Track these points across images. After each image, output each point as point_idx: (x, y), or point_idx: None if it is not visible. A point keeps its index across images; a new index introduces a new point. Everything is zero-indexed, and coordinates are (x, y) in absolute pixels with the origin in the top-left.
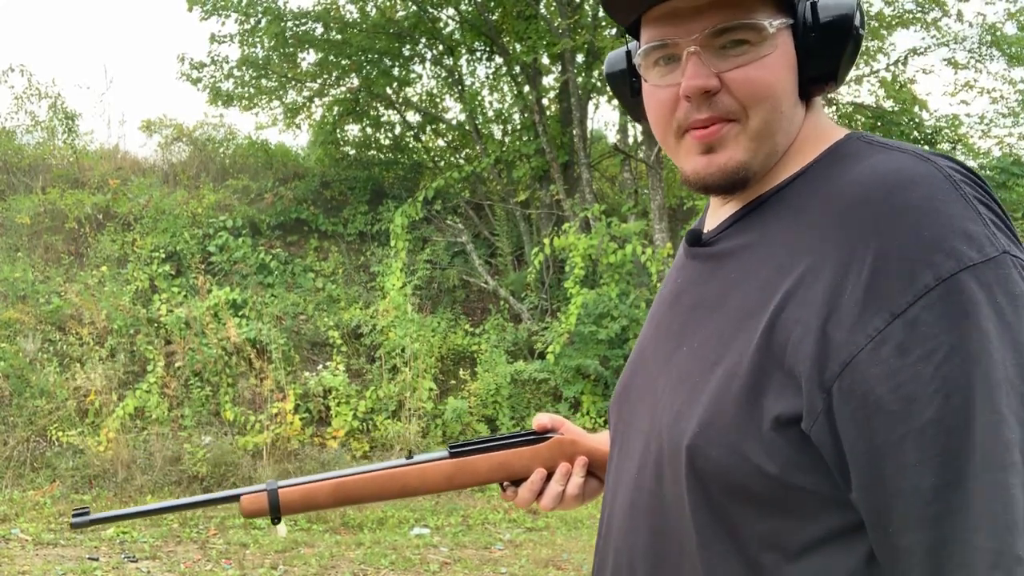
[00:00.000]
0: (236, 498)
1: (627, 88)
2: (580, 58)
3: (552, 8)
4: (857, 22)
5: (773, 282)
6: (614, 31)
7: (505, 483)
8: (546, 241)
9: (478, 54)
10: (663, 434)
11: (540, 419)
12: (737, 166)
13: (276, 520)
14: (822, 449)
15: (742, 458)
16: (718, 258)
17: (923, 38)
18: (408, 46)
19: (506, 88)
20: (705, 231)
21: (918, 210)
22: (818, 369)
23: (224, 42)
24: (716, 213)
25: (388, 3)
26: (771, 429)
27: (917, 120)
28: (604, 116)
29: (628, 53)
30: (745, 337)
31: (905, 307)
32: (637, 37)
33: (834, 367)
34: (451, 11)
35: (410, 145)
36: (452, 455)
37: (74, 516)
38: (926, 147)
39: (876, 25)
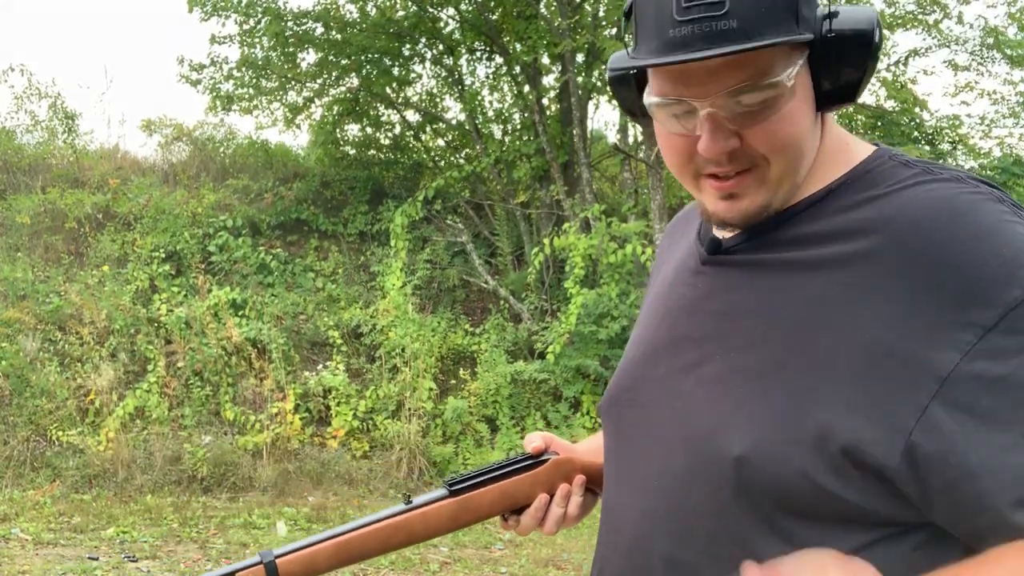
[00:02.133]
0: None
1: (631, 91)
2: (580, 58)
3: (552, 8)
4: (876, 38)
5: (830, 298)
6: (614, 31)
7: (506, 514)
8: (546, 241)
9: (478, 54)
10: (700, 443)
11: (532, 440)
12: (758, 209)
13: None
14: (904, 470)
15: (801, 475)
16: (752, 267)
17: (924, 39)
18: (408, 46)
19: (506, 88)
20: (723, 237)
21: (991, 232)
22: (909, 389)
23: (224, 43)
24: None
25: (388, 3)
26: (840, 452)
27: (918, 120)
28: (604, 116)
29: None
30: (803, 354)
31: (997, 320)
32: None
33: (930, 385)
34: (451, 11)
35: (410, 145)
36: (452, 493)
37: None
38: (959, 167)
39: None
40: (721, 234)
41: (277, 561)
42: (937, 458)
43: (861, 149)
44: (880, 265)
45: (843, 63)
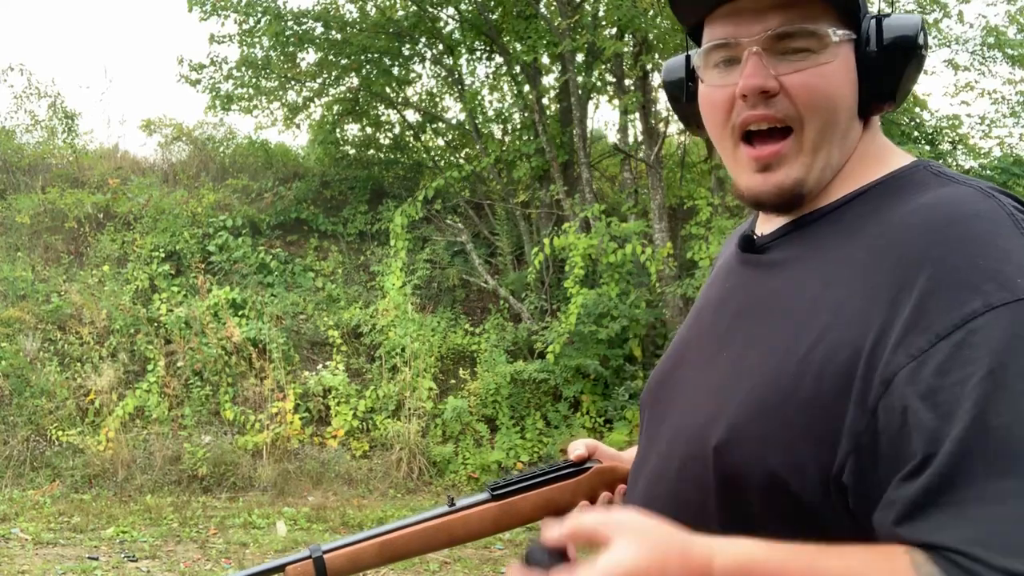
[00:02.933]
0: (281, 568)
1: (682, 93)
2: (580, 58)
3: (552, 8)
4: (921, 41)
5: (822, 300)
6: (614, 31)
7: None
8: (546, 241)
9: (478, 54)
10: (692, 435)
11: (576, 448)
12: (793, 183)
13: None
14: (860, 467)
15: (767, 466)
16: (768, 267)
17: None
18: (408, 45)
19: (506, 88)
20: (757, 235)
21: (977, 241)
22: (862, 390)
23: (223, 42)
24: (770, 219)
25: (388, 2)
26: (804, 446)
27: (918, 120)
28: (604, 116)
29: (687, 59)
30: (787, 352)
31: (951, 329)
32: (698, 42)
33: (879, 387)
34: (451, 10)
35: (410, 145)
36: (495, 498)
37: None
38: (990, 181)
39: None
40: (759, 231)
41: (325, 556)
42: (867, 457)
43: (900, 159)
44: (878, 265)
45: (884, 65)
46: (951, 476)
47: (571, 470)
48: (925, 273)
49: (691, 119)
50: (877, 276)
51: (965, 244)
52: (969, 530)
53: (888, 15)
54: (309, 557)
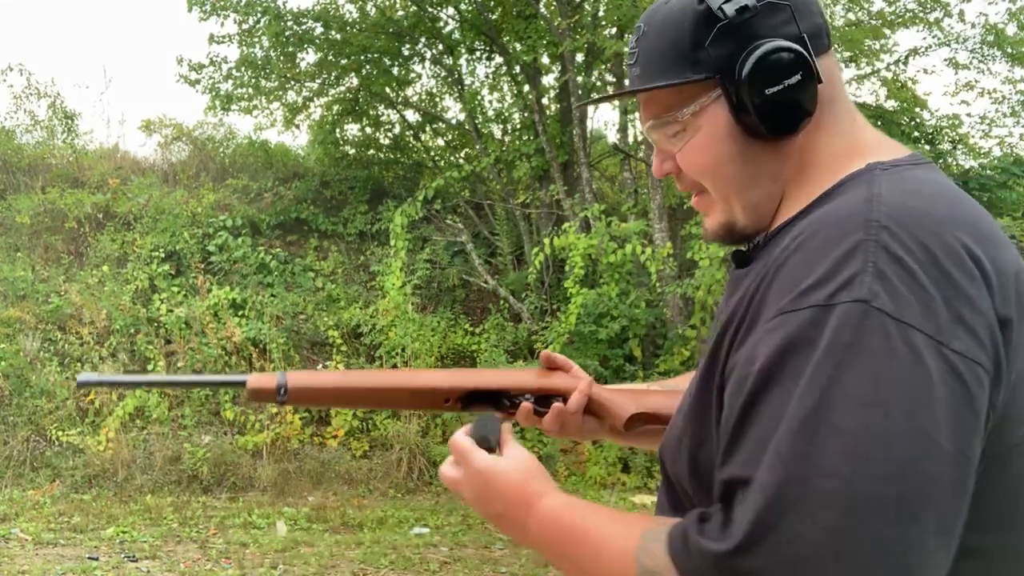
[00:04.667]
0: (242, 383)
1: None
2: (580, 58)
3: (552, 8)
4: (782, 69)
5: (727, 307)
6: (614, 31)
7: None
8: (546, 241)
9: (478, 53)
10: (675, 446)
11: (549, 356)
12: (720, 227)
13: (282, 402)
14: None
15: (692, 463)
16: (733, 284)
17: (924, 38)
18: (408, 45)
19: (506, 88)
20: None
21: (815, 249)
22: (719, 384)
23: (223, 42)
24: None
25: (388, 2)
26: (708, 443)
27: (918, 120)
28: (604, 116)
29: None
30: (704, 363)
31: (767, 320)
32: None
33: (721, 378)
34: (451, 10)
35: (410, 145)
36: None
37: (79, 377)
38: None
39: (878, 24)
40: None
41: (288, 375)
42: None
43: (854, 163)
44: (758, 274)
45: (752, 101)
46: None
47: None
48: (772, 276)
49: None
50: (754, 283)
51: (805, 250)
52: (695, 514)
53: (753, 48)
54: (276, 383)
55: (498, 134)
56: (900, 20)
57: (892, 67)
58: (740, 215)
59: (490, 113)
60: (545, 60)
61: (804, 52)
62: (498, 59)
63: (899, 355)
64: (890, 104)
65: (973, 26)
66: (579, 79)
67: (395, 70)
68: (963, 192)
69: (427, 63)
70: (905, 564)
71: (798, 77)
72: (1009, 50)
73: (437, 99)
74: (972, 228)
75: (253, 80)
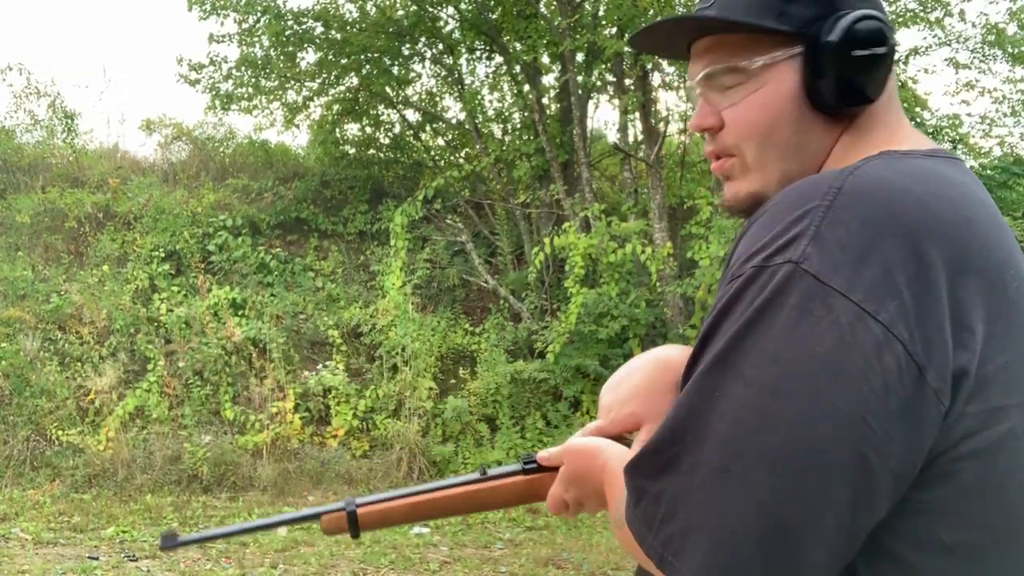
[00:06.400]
0: (317, 516)
1: None
2: (580, 57)
3: (552, 7)
4: (866, 35)
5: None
6: (614, 30)
7: None
8: (546, 240)
9: (478, 53)
10: None
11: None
12: (748, 197)
13: (355, 535)
14: None
15: None
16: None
17: (925, 38)
18: (408, 45)
19: (506, 87)
20: None
21: (774, 215)
22: None
23: (223, 41)
24: None
25: (388, 2)
26: None
27: (919, 120)
28: (604, 115)
29: None
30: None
31: (729, 279)
32: None
33: None
34: (451, 10)
35: (410, 144)
36: (526, 471)
37: (162, 539)
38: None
39: None
40: None
41: (358, 510)
42: None
43: (872, 151)
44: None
45: (835, 67)
46: None
47: None
48: (734, 249)
49: None
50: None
51: (768, 212)
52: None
53: (842, 14)
54: (343, 509)
55: (498, 134)
56: (901, 19)
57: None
58: (773, 186)
59: (490, 113)
60: (545, 60)
61: (889, 26)
62: (498, 59)
63: (813, 316)
64: None
65: (974, 26)
66: (579, 79)
67: (395, 70)
68: (975, 190)
69: (427, 63)
70: (777, 516)
71: (883, 49)
72: (1010, 50)
73: (437, 99)
74: (952, 216)
75: (253, 80)
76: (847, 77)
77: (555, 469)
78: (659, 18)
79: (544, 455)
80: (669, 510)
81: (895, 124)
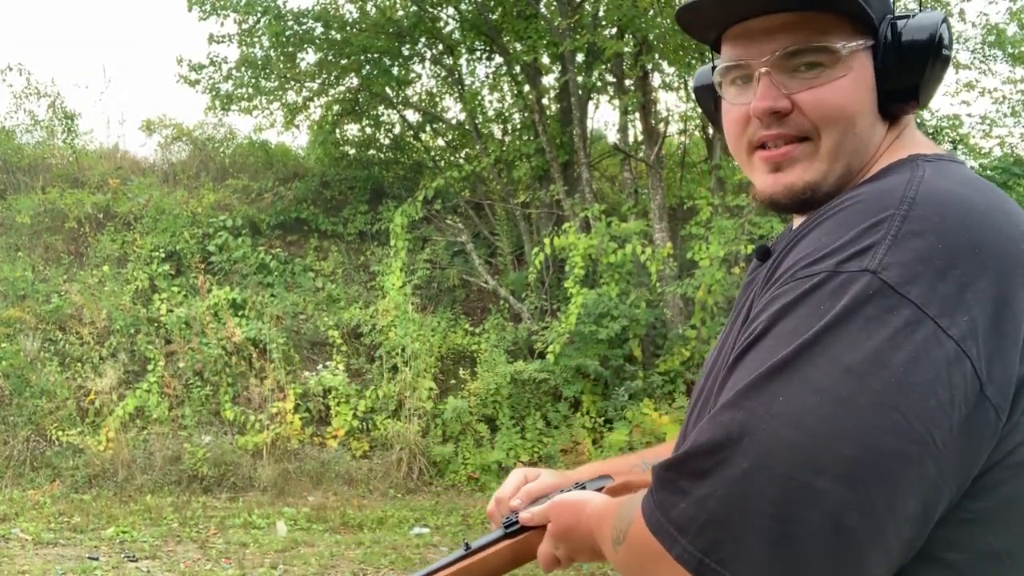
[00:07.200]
0: None
1: (711, 102)
2: (580, 58)
3: (552, 8)
4: (941, 41)
5: (740, 301)
6: (614, 31)
7: None
8: (546, 241)
9: (478, 54)
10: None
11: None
12: (805, 186)
13: None
14: None
15: None
16: (767, 276)
17: None
18: (408, 46)
19: (506, 88)
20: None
21: (845, 219)
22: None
23: (223, 42)
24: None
25: (388, 2)
26: None
27: (919, 120)
28: (604, 116)
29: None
30: (713, 354)
31: (779, 285)
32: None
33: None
34: (451, 10)
35: (410, 145)
36: (508, 535)
37: None
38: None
39: None
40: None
41: None
42: None
43: (905, 152)
44: (788, 245)
45: (902, 67)
46: None
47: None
48: (789, 248)
49: (719, 125)
50: (774, 260)
51: (834, 218)
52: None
53: (910, 15)
54: None
55: (498, 134)
56: None
57: None
58: (834, 179)
59: (490, 113)
60: (545, 60)
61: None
62: (498, 59)
63: (889, 327)
64: None
65: (974, 26)
66: (579, 79)
67: (395, 70)
68: (998, 188)
69: (427, 63)
70: (846, 528)
71: (948, 52)
72: (1010, 50)
73: (437, 99)
74: (1012, 231)
75: (253, 80)
76: (919, 79)
77: (539, 528)
78: (659, 18)
79: (527, 515)
80: (716, 515)
81: (914, 128)
